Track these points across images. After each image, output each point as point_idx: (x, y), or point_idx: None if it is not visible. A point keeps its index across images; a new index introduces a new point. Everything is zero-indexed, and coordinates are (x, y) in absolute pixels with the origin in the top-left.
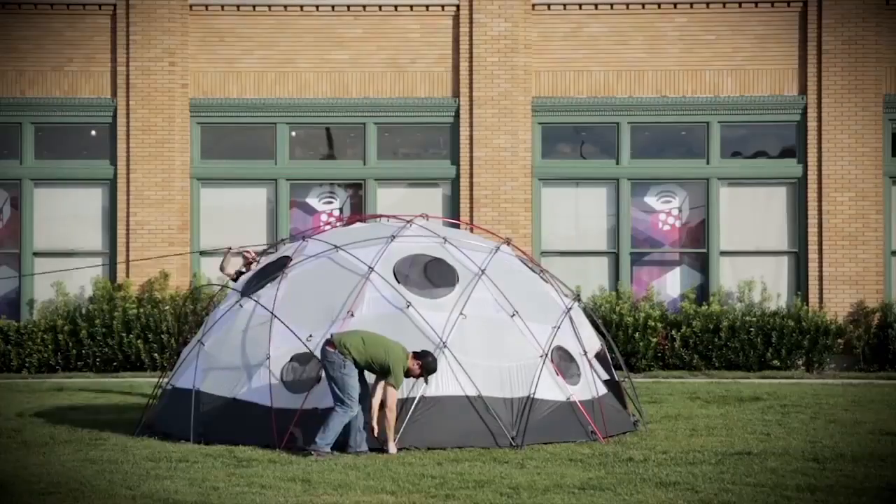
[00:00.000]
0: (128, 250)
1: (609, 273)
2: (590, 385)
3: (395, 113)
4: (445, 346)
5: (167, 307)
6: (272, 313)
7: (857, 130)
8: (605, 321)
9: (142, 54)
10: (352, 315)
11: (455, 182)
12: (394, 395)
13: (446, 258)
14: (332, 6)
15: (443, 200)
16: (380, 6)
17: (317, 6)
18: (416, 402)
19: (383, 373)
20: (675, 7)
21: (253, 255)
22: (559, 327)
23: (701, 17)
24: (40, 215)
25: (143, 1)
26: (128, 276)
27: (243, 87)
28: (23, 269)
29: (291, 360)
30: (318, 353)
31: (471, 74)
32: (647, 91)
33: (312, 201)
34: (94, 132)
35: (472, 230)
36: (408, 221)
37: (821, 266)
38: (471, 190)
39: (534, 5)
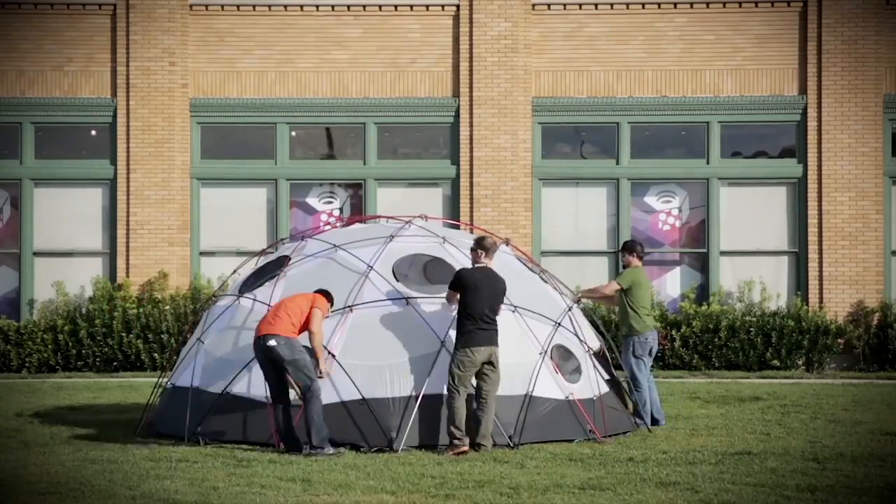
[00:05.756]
0: (128, 250)
1: (609, 273)
2: (591, 384)
3: (395, 113)
4: (444, 345)
5: (167, 307)
6: (270, 307)
7: (857, 130)
8: (605, 321)
9: (142, 54)
10: (350, 311)
11: (455, 182)
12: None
13: (445, 258)
14: (332, 6)
15: (443, 200)
16: (380, 6)
17: (317, 6)
18: (416, 401)
19: None
20: (675, 7)
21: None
22: (560, 325)
23: (701, 17)
24: (40, 215)
25: (143, 1)
26: (128, 275)
27: (243, 86)
28: (23, 269)
29: None
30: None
31: (471, 74)
32: (647, 91)
33: (312, 201)
34: (94, 132)
35: (472, 230)
36: (407, 222)
37: (821, 266)
38: (471, 190)
39: (534, 5)
